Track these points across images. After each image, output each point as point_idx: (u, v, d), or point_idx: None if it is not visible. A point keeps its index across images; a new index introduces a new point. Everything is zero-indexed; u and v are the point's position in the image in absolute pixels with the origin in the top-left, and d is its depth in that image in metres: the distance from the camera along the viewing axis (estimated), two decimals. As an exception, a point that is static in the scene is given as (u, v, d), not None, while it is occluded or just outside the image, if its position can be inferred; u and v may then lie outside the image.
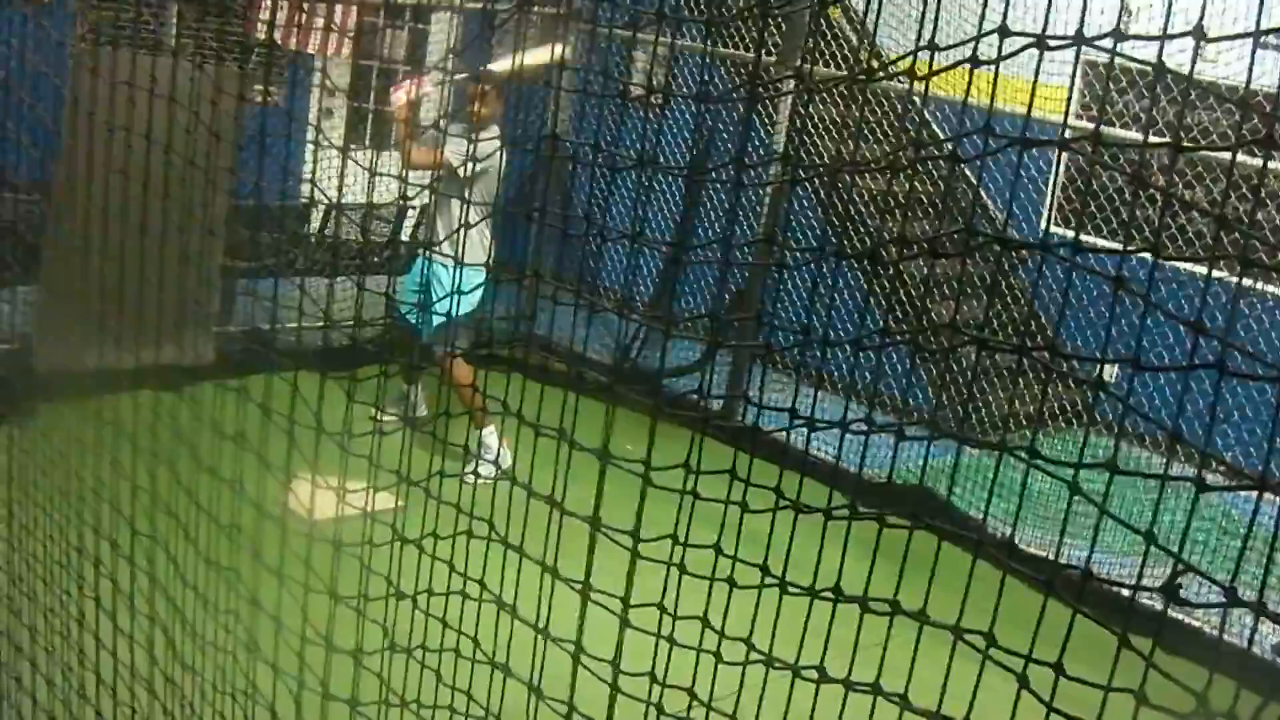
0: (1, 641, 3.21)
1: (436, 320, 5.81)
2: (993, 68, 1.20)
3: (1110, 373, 6.54)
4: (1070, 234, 1.31)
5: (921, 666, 1.49)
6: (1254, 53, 1.02)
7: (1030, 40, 1.12)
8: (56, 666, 2.96)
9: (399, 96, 5.85)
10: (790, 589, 1.53)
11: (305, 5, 5.76)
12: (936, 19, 1.26)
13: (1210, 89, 5.89)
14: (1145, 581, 1.27)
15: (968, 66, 1.25)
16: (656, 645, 1.75)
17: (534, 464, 1.90)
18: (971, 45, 1.15)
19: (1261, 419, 6.04)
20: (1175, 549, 1.18)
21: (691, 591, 1.74)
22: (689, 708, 1.73)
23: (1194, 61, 1.00)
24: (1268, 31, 1.02)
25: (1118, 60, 1.11)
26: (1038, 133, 1.28)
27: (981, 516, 5.23)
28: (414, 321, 5.95)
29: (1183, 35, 1.00)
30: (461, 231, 2.34)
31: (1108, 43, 1.14)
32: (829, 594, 1.46)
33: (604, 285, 7.57)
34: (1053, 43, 1.10)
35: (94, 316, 3.31)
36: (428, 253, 5.78)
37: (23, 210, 5.42)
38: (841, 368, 6.04)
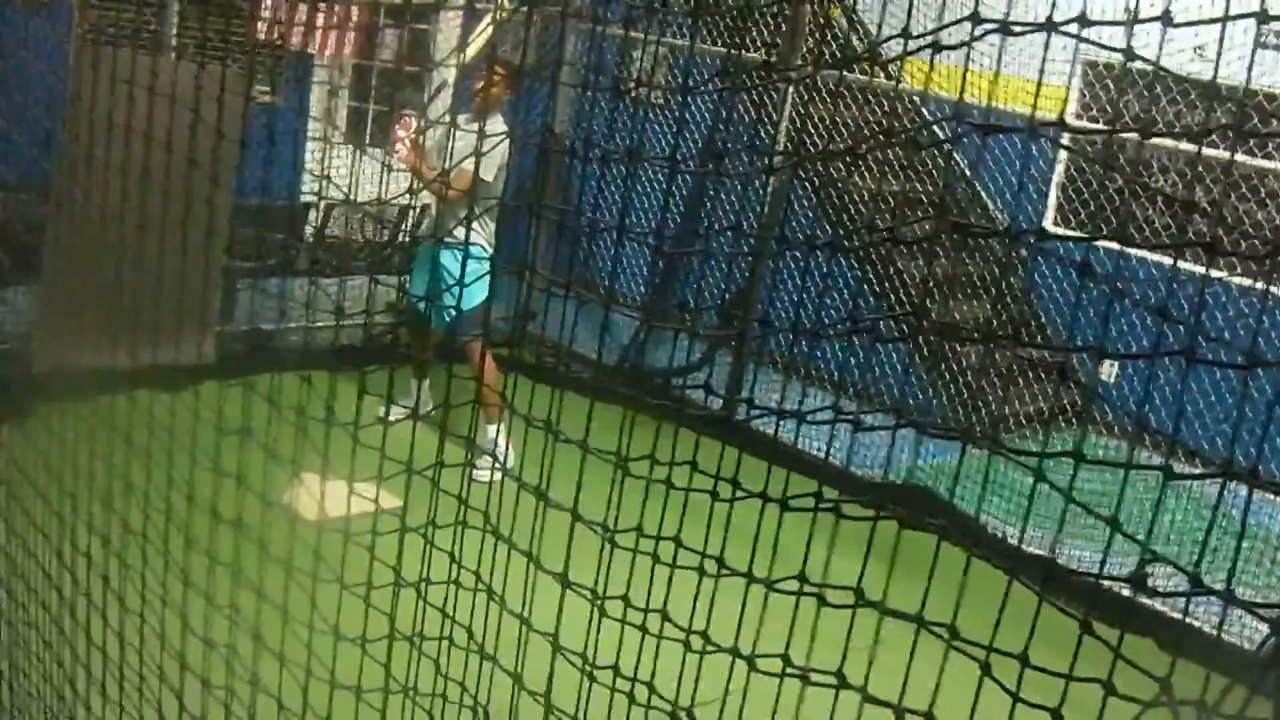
0: (4, 634, 3.22)
1: (447, 311, 5.86)
2: (989, 64, 1.21)
3: (1110, 372, 6.54)
4: (1072, 234, 1.32)
5: (916, 665, 1.48)
6: (1221, 48, 1.02)
7: (1005, 31, 1.12)
8: (56, 663, 2.97)
9: (400, 148, 5.87)
10: (756, 578, 1.54)
11: (306, 5, 5.78)
12: (910, 7, 1.26)
13: (1207, 88, 5.89)
14: (1157, 583, 1.28)
15: (956, 62, 1.25)
16: (642, 640, 1.76)
17: (541, 461, 1.92)
18: (945, 33, 1.16)
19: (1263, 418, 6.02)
20: (1179, 550, 1.18)
21: (681, 586, 1.75)
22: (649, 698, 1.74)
23: (1160, 52, 1.00)
24: (1234, 18, 1.02)
25: (1120, 61, 1.11)
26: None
27: (978, 515, 5.22)
28: (425, 313, 5.96)
29: (1150, 20, 1.00)
30: (468, 220, 2.30)
31: (1093, 36, 1.14)
32: (799, 583, 1.47)
33: (602, 284, 7.58)
34: (1018, 29, 1.10)
35: (95, 316, 3.32)
36: (437, 242, 5.77)
37: (22, 209, 5.44)
38: (841, 364, 6.04)
